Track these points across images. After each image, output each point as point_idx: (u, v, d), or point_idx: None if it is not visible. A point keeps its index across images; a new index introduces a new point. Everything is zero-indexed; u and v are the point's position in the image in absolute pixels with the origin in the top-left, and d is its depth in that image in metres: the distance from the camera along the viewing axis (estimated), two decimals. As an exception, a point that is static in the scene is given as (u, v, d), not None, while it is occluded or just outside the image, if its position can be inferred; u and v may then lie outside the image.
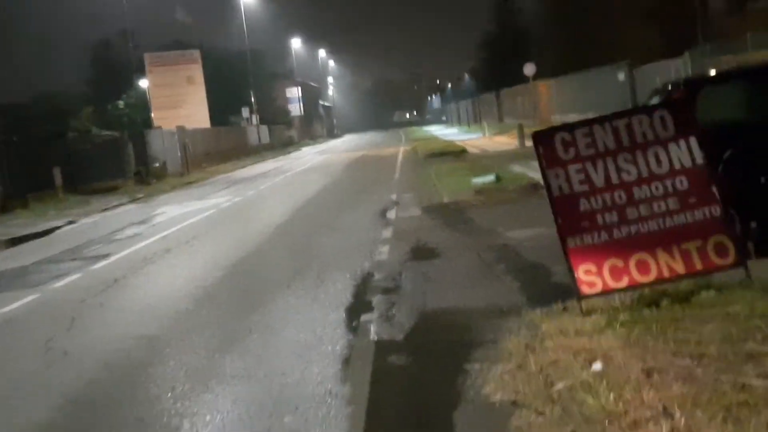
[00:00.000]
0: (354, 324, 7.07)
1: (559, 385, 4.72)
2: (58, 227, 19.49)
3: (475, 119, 67.96)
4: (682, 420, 3.97)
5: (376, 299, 7.86)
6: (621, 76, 31.44)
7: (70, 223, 20.42)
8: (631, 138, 6.27)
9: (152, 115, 46.96)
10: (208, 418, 5.19)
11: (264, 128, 62.26)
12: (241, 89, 58.49)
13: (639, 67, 29.85)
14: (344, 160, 37.04)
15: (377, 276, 8.94)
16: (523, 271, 8.24)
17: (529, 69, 39.12)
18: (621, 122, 6.33)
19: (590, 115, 7.04)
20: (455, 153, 29.45)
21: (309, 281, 9.13)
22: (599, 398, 4.39)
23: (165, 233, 15.58)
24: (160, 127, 40.26)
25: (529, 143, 6.35)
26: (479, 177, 16.92)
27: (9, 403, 6.11)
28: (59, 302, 9.88)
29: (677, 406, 4.11)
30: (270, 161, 45.33)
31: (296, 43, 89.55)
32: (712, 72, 8.44)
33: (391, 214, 14.20)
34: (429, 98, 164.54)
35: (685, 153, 6.19)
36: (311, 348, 6.49)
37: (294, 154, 52.88)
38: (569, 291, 6.23)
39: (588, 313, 5.93)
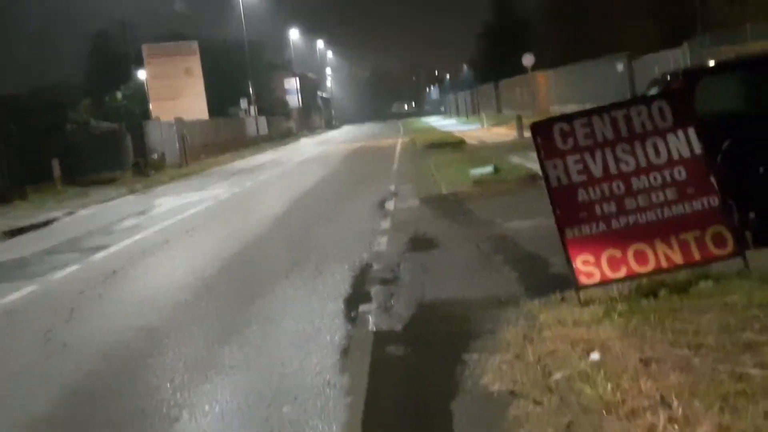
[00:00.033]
0: (353, 315, 7.08)
1: (557, 375, 4.73)
2: (57, 219, 19.48)
3: (473, 110, 67.91)
4: (680, 409, 3.98)
5: (375, 290, 7.87)
6: (620, 67, 31.44)
7: (69, 214, 20.41)
8: (629, 129, 6.27)
9: (150, 106, 46.90)
10: (207, 408, 5.21)
11: (262, 120, 62.19)
12: (240, 81, 58.38)
13: (638, 58, 29.84)
14: (342, 151, 37.02)
15: (376, 267, 8.94)
16: (521, 261, 8.25)
17: (527, 60, 39.06)
18: (619, 113, 6.33)
19: (589, 106, 7.04)
20: (453, 144, 29.43)
21: (308, 272, 9.13)
22: (597, 388, 4.40)
23: (164, 225, 15.58)
24: (158, 119, 40.20)
25: (527, 134, 6.37)
26: (478, 168, 16.92)
27: (8, 395, 6.12)
28: (58, 293, 9.89)
29: (675, 395, 4.13)
30: (268, 152, 45.29)
31: (294, 34, 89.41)
32: (711, 62, 8.42)
33: (390, 205, 14.20)
34: (427, 89, 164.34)
35: (684, 143, 6.19)
36: (310, 339, 6.50)
37: (292, 146, 52.83)
38: (567, 281, 6.24)
39: (586, 303, 5.94)
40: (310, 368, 5.75)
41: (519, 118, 30.30)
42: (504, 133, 34.47)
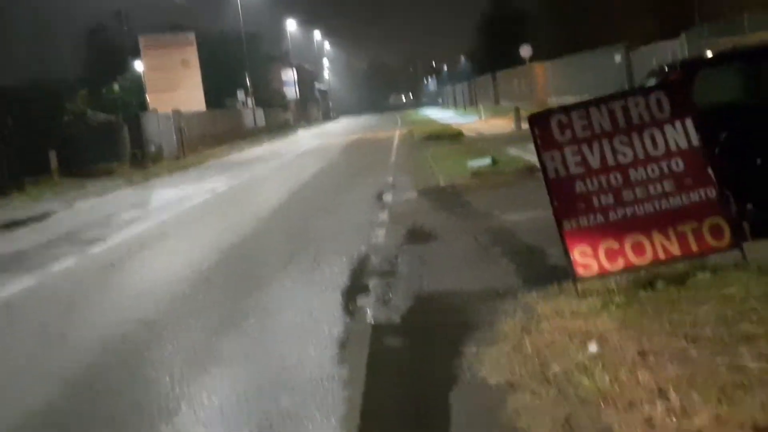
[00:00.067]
0: (351, 307, 7.08)
1: (555, 367, 4.74)
2: (55, 211, 19.45)
3: (471, 102, 67.85)
4: (678, 401, 3.99)
5: (373, 282, 7.87)
6: (617, 58, 31.40)
7: (67, 206, 20.38)
8: (627, 120, 6.28)
9: (147, 98, 46.82)
10: (205, 401, 5.21)
11: (260, 111, 62.10)
12: (237, 72, 58.26)
13: (636, 49, 29.80)
14: (340, 143, 36.99)
15: (374, 259, 8.95)
16: (519, 253, 8.25)
17: (525, 51, 39.02)
18: (617, 104, 6.33)
19: (587, 98, 7.03)
20: (451, 136, 29.41)
21: (306, 264, 9.13)
22: (595, 380, 4.41)
23: (161, 217, 15.57)
24: (155, 110, 40.13)
25: (525, 126, 6.36)
26: (475, 160, 16.92)
27: (7, 388, 6.11)
28: (56, 286, 9.88)
29: (672, 387, 4.14)
30: (266, 144, 45.25)
31: (291, 26, 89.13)
32: (709, 53, 8.42)
33: (388, 197, 14.20)
34: (425, 81, 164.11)
35: (681, 135, 6.20)
36: (308, 331, 6.50)
37: (290, 137, 52.79)
38: (565, 273, 6.24)
39: (584, 295, 5.94)
40: (308, 360, 5.75)
41: (517, 110, 30.28)
42: (502, 124, 34.44)
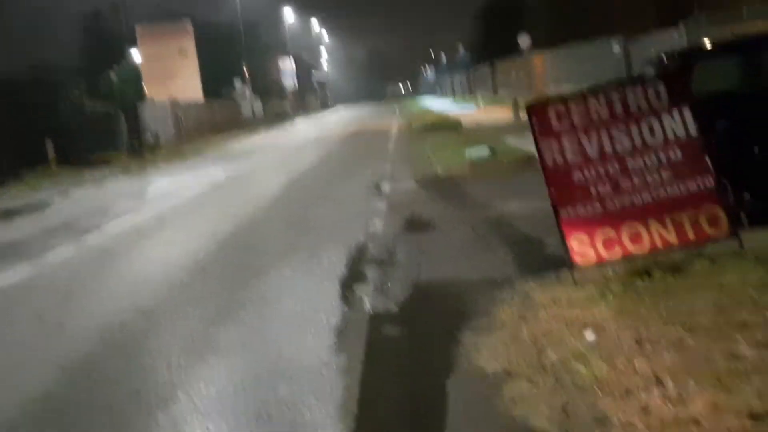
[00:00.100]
0: (349, 296, 7.09)
1: (552, 355, 4.76)
2: (52, 200, 19.45)
3: (469, 91, 67.75)
4: (674, 389, 4.01)
5: (371, 271, 7.89)
6: (616, 48, 31.34)
7: (64, 196, 20.38)
8: (625, 109, 6.29)
9: (144, 87, 46.71)
10: (203, 389, 5.22)
11: (257, 101, 61.99)
12: (234, 61, 58.12)
13: (634, 39, 29.75)
14: (338, 132, 36.94)
15: (372, 248, 8.95)
16: (516, 243, 8.26)
17: (523, 41, 38.92)
18: (615, 94, 6.34)
19: (585, 88, 7.03)
20: (450, 126, 29.35)
21: (304, 253, 9.14)
22: (592, 368, 4.43)
23: (159, 206, 15.57)
24: (152, 100, 40.07)
25: (523, 116, 6.36)
26: (474, 150, 16.90)
27: (5, 376, 6.12)
28: (53, 275, 9.89)
29: (669, 375, 4.16)
30: (263, 134, 45.18)
31: (289, 14, 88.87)
32: (707, 43, 8.41)
33: (386, 187, 14.19)
34: (423, 70, 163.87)
35: (679, 124, 6.21)
36: (306, 319, 6.51)
37: (287, 127, 52.70)
38: (562, 262, 6.26)
39: (581, 283, 5.96)
40: (306, 349, 5.77)
41: (515, 100, 30.23)
42: (500, 114, 34.38)
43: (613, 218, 6.13)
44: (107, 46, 51.92)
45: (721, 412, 3.73)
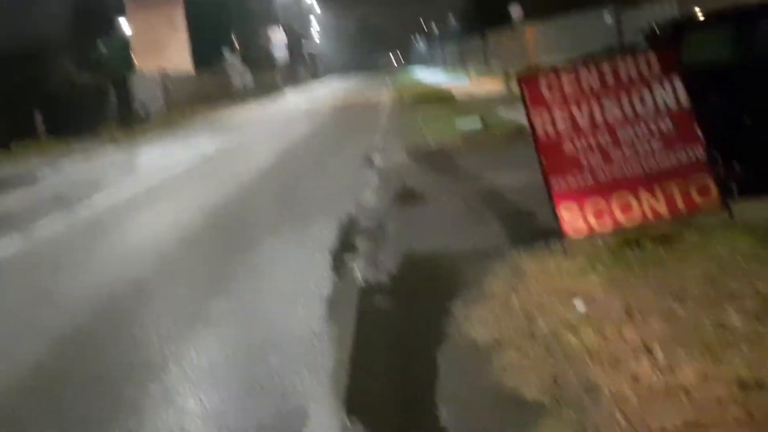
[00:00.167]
0: (339, 267, 7.09)
1: (543, 325, 4.78)
2: (41, 171, 19.35)
3: (461, 63, 67.43)
4: (664, 358, 4.03)
5: (362, 243, 7.89)
6: (608, 18, 31.20)
7: (53, 167, 20.27)
8: (616, 80, 6.29)
9: (134, 58, 46.29)
10: (195, 360, 5.23)
11: (248, 72, 61.55)
12: (224, 33, 57.60)
13: (626, 9, 29.62)
14: (329, 104, 36.76)
15: (363, 220, 8.95)
16: (508, 214, 8.26)
17: (515, 11, 38.73)
18: (606, 64, 6.33)
19: (576, 58, 7.01)
20: (441, 98, 29.27)
21: (295, 226, 9.13)
22: (582, 337, 4.45)
23: (149, 177, 15.51)
24: (142, 71, 39.76)
25: (515, 87, 6.34)
26: (466, 122, 16.84)
27: (-5, 347, 6.12)
28: (43, 247, 9.85)
29: (659, 345, 4.18)
30: (254, 105, 44.94)
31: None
32: (699, 14, 8.38)
33: (377, 159, 14.15)
34: (415, 42, 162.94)
35: (670, 94, 6.20)
36: (297, 291, 6.52)
37: (278, 99, 52.40)
38: (554, 234, 6.26)
39: (571, 254, 5.97)
40: (297, 320, 5.77)
41: (507, 72, 30.12)
42: (492, 86, 34.27)
43: (604, 189, 6.14)
44: (96, 16, 51.39)
45: (710, 381, 3.75)
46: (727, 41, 7.66)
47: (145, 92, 36.38)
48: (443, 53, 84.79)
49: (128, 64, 44.73)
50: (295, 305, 6.12)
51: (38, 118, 27.16)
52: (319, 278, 6.78)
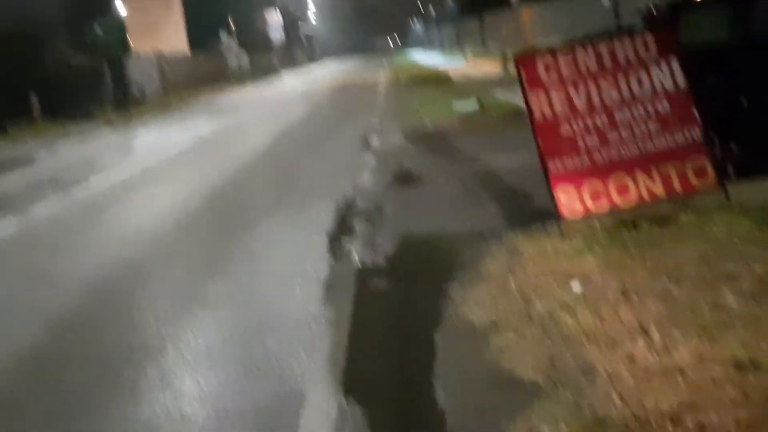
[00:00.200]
0: (337, 249, 7.10)
1: (539, 307, 4.79)
2: (37, 154, 19.28)
3: (458, 45, 67.18)
4: (660, 339, 4.05)
5: (359, 225, 7.89)
6: (605, 0, 31.07)
7: (49, 149, 20.20)
8: (613, 62, 6.27)
9: (129, 39, 46.03)
10: (192, 342, 5.24)
11: (244, 54, 61.27)
12: (221, 14, 57.28)
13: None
14: (326, 86, 36.66)
15: (360, 202, 8.94)
16: (505, 196, 8.26)
17: (512, -8, 38.54)
18: (604, 46, 6.31)
19: (573, 40, 6.99)
20: (438, 80, 29.20)
21: (292, 208, 9.12)
22: (578, 319, 4.46)
23: (145, 159, 15.47)
24: (137, 53, 39.55)
25: (512, 69, 6.32)
26: (463, 104, 16.81)
27: (-7, 330, 6.12)
28: (39, 228, 9.84)
29: (655, 325, 4.19)
30: (250, 87, 44.81)
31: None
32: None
33: (374, 141, 14.12)
34: (412, 24, 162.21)
35: (667, 76, 6.19)
36: (294, 273, 6.52)
37: (274, 81, 52.24)
38: (550, 215, 6.27)
39: (568, 236, 5.98)
40: (294, 302, 5.78)
41: (504, 54, 30.02)
42: (489, 68, 34.16)
43: (601, 170, 6.14)
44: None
45: (705, 362, 3.77)
46: (724, 22, 7.63)
47: (140, 74, 36.23)
48: (440, 35, 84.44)
49: (124, 45, 44.47)
50: (293, 287, 6.12)
51: (34, 100, 27.04)
52: (316, 260, 6.79)
